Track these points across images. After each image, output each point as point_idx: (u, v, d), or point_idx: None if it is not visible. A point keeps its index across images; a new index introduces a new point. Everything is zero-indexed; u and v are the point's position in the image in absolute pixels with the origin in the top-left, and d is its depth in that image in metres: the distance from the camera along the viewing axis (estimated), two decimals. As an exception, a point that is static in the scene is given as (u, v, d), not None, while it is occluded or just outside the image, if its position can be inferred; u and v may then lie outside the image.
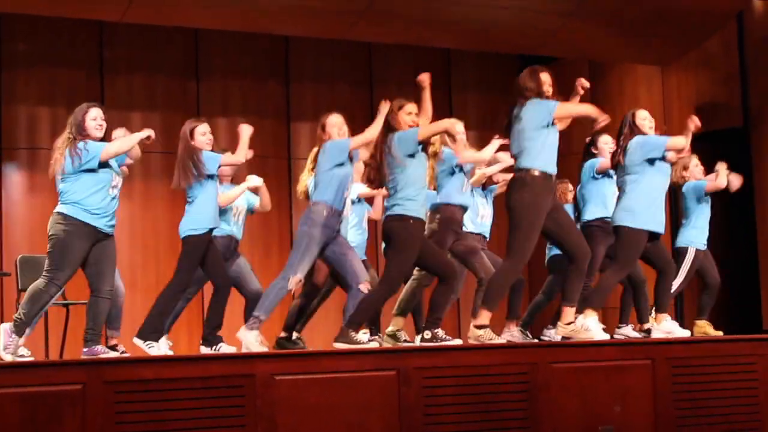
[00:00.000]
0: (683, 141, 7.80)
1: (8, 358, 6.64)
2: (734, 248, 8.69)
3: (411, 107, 7.35)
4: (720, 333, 8.60)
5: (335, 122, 7.72)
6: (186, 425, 5.85)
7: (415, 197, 7.16)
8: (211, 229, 7.51)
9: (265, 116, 12.56)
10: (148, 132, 6.98)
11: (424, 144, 7.27)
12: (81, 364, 6.00)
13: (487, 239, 8.68)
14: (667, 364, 6.89)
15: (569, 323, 7.26)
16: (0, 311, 9.62)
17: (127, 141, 6.99)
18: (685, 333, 8.04)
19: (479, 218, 8.61)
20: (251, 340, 7.29)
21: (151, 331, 7.30)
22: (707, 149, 9.36)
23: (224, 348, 7.52)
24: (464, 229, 8.22)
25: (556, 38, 11.80)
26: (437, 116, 7.50)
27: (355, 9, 10.88)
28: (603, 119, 7.20)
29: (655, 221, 7.72)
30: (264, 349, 7.28)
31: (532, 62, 7.79)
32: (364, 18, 11.04)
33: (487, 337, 7.03)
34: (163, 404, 5.83)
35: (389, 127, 7.27)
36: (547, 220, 7.14)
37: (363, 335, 7.41)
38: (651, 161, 7.68)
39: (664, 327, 7.95)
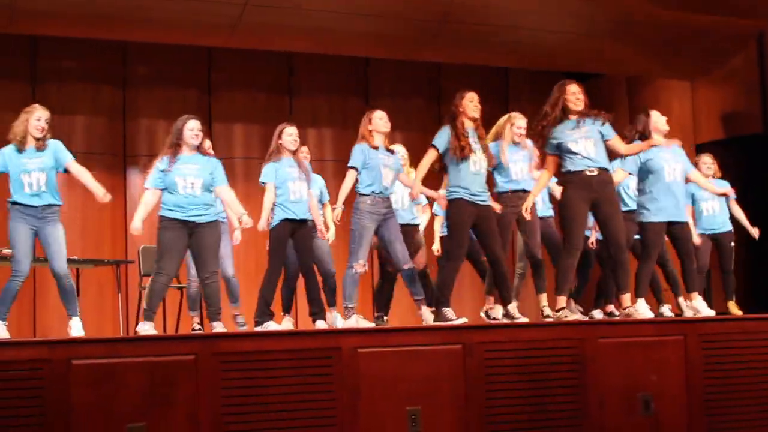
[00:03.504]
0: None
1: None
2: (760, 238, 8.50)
3: None
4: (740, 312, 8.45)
5: (381, 115, 7.61)
6: (281, 390, 5.85)
7: None
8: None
9: (348, 127, 12.55)
10: None
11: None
12: (194, 338, 6.05)
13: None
14: (698, 340, 6.77)
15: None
16: (125, 292, 9.73)
17: None
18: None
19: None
20: (353, 324, 7.28)
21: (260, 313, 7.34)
22: (733, 152, 9.22)
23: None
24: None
25: (599, 57, 11.69)
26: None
27: (426, 34, 10.85)
28: None
29: None
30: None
31: (578, 79, 7.71)
32: (434, 42, 11.02)
33: (563, 315, 6.94)
34: (262, 373, 5.84)
35: None
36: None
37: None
38: None
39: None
